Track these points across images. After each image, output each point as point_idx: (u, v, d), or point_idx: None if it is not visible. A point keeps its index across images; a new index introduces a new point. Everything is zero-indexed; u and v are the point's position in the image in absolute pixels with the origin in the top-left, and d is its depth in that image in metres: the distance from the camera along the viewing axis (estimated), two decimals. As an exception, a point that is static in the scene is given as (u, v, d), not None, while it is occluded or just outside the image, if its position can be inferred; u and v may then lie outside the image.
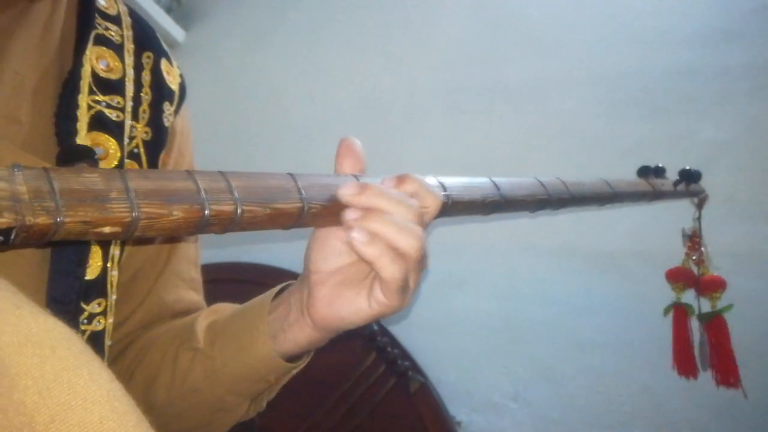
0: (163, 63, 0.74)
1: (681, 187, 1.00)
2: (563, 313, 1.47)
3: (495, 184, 0.65)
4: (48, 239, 0.38)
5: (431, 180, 0.60)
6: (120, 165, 0.63)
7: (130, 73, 0.68)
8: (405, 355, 1.55)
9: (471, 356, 1.55)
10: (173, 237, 0.73)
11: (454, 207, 0.61)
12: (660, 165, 1.00)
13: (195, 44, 2.07)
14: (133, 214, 0.40)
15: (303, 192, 0.50)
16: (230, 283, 1.56)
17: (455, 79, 1.68)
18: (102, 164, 0.60)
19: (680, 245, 1.39)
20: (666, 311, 1.06)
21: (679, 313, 1.05)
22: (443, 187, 0.60)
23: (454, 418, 1.51)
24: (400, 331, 1.57)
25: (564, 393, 1.46)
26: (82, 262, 0.59)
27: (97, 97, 0.63)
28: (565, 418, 1.46)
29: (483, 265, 1.54)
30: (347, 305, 0.57)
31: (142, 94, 0.69)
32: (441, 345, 1.56)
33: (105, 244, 0.61)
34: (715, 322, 1.03)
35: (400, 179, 0.57)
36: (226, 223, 0.46)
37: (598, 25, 1.52)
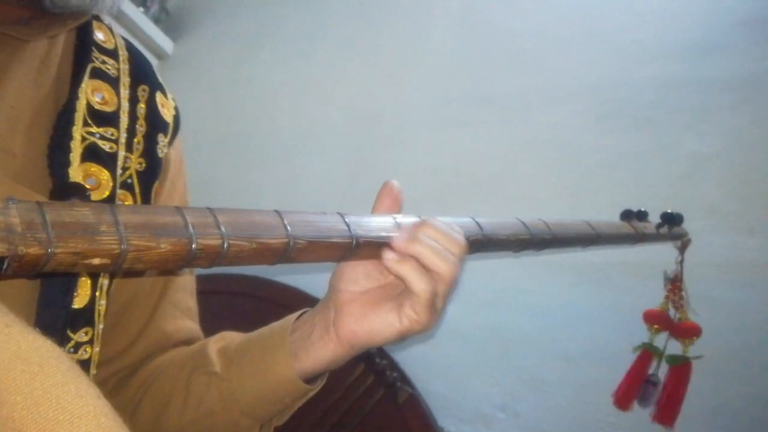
0: (158, 96, 0.75)
1: (664, 230, 1.01)
2: (551, 325, 1.48)
3: (478, 225, 0.67)
4: (39, 269, 0.39)
5: (413, 219, 0.62)
6: (112, 195, 0.64)
7: (125, 105, 0.69)
8: (393, 366, 1.55)
9: (459, 367, 1.55)
10: (164, 270, 0.74)
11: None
12: (642, 209, 1.02)
13: (184, 55, 2.08)
14: (122, 247, 0.41)
15: (289, 228, 0.52)
16: (220, 294, 1.56)
17: (444, 91, 1.70)
18: (94, 194, 0.62)
19: (664, 256, 1.40)
20: (635, 350, 1.10)
21: (645, 355, 1.09)
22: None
23: (443, 429, 1.52)
24: (389, 342, 1.58)
25: (552, 403, 1.46)
26: (70, 291, 0.60)
27: (91, 129, 0.64)
28: (553, 428, 1.47)
29: (471, 277, 1.55)
30: (378, 320, 0.60)
31: (137, 126, 0.70)
32: (429, 356, 1.56)
33: (94, 274, 0.62)
34: (682, 367, 1.07)
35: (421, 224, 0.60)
36: (213, 257, 0.47)
37: (584, 39, 1.54)
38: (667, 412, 1.07)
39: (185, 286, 0.78)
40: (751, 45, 1.37)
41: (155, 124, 0.72)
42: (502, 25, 1.65)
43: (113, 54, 0.71)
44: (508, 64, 1.63)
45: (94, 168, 0.63)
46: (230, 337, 0.72)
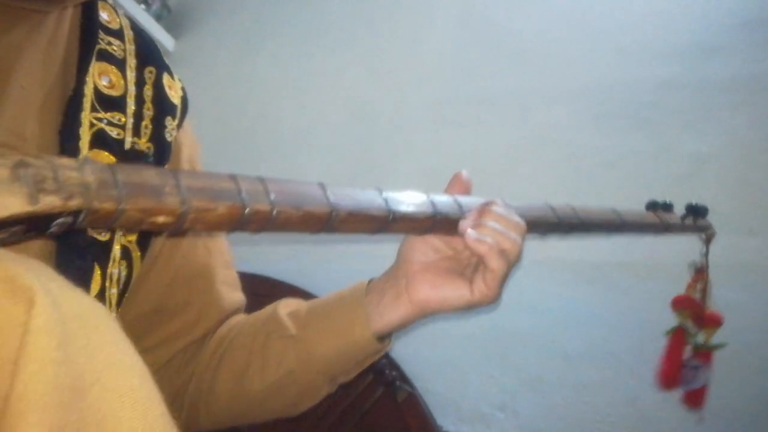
0: (165, 77, 0.75)
1: (689, 221, 1.02)
2: (550, 324, 1.48)
3: (458, 203, 0.70)
4: (110, 224, 0.43)
5: (446, 197, 0.68)
6: None
7: (132, 89, 0.69)
8: (392, 364, 1.55)
9: (458, 366, 1.55)
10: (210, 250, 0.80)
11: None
12: (668, 201, 1.04)
13: (185, 53, 2.08)
14: (184, 207, 0.45)
15: (331, 198, 0.56)
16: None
17: (443, 91, 1.70)
18: None
19: (664, 258, 1.41)
20: (668, 333, 1.10)
21: (679, 334, 1.09)
22: (459, 206, 0.68)
23: (442, 428, 1.52)
24: (388, 341, 1.58)
25: (551, 403, 1.47)
26: (86, 280, 0.61)
27: (99, 115, 0.64)
28: (551, 427, 1.47)
29: (470, 276, 1.55)
30: (452, 290, 0.67)
31: (144, 110, 0.70)
32: (428, 355, 1.56)
33: (104, 263, 0.63)
34: (707, 353, 1.08)
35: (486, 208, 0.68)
36: (263, 222, 0.51)
37: (584, 40, 1.54)
38: (697, 395, 1.08)
39: (228, 262, 0.83)
40: (750, 46, 1.38)
41: (163, 107, 0.72)
42: (502, 26, 1.65)
43: (119, 34, 0.71)
44: (508, 64, 1.63)
45: (103, 155, 0.63)
46: (294, 303, 0.78)
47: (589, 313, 1.45)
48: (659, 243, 1.40)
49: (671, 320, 1.38)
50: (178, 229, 0.47)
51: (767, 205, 1.33)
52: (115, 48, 0.70)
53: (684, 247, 1.37)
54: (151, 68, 0.73)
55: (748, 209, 1.30)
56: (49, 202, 0.39)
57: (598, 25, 1.53)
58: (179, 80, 0.78)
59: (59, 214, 0.40)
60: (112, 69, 0.68)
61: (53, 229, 0.41)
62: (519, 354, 1.50)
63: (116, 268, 0.66)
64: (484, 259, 0.65)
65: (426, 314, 0.69)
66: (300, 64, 1.91)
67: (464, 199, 0.70)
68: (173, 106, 0.74)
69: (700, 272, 1.08)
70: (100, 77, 0.66)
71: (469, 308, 0.68)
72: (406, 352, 1.56)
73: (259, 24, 2.01)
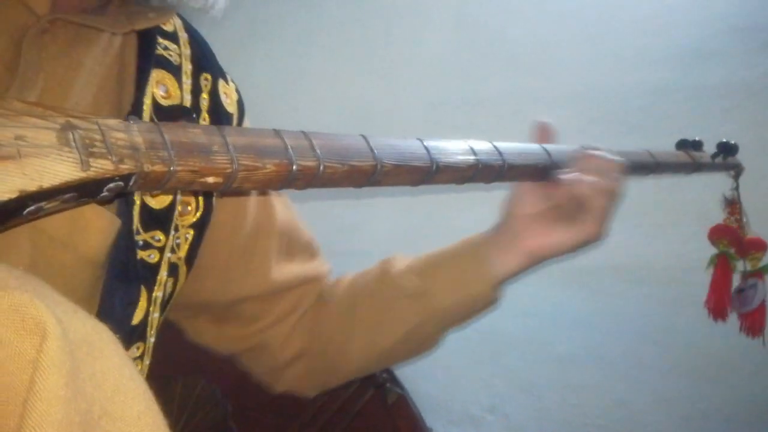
0: (221, 84, 0.72)
1: (719, 159, 1.03)
2: (540, 327, 1.48)
3: (546, 151, 0.73)
4: (161, 186, 0.41)
5: (484, 144, 0.67)
6: (173, 202, 0.64)
7: (188, 98, 0.67)
8: (383, 366, 1.55)
9: (449, 368, 1.55)
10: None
11: (510, 171, 0.68)
12: (697, 139, 1.03)
13: (178, 54, 2.07)
14: (234, 166, 0.44)
15: (375, 152, 0.55)
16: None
17: (436, 94, 1.70)
18: (155, 201, 0.62)
19: (654, 262, 1.41)
20: (711, 262, 1.07)
21: (723, 261, 1.06)
22: (499, 153, 0.67)
23: (432, 430, 1.52)
24: (379, 343, 1.58)
25: (540, 406, 1.47)
26: (132, 305, 0.60)
27: None
28: (541, 430, 1.47)
29: (461, 278, 1.55)
30: (562, 233, 0.71)
31: (200, 121, 0.67)
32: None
33: (150, 287, 0.62)
34: (758, 275, 1.05)
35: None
36: (310, 179, 0.50)
37: (577, 44, 1.54)
38: (756, 320, 1.06)
39: (291, 227, 0.81)
40: (743, 52, 1.38)
41: (218, 117, 0.70)
42: (496, 30, 1.66)
43: (173, 37, 0.68)
44: (502, 68, 1.63)
45: None
46: (406, 258, 0.79)
47: (579, 317, 1.45)
48: (650, 247, 1.41)
49: (663, 323, 1.39)
50: (227, 189, 0.46)
51: (759, 210, 1.33)
52: (171, 53, 0.67)
53: (674, 251, 1.38)
54: (207, 75, 0.70)
55: (739, 214, 1.31)
56: (100, 166, 0.37)
57: (591, 30, 1.54)
58: (233, 82, 0.77)
59: (111, 179, 0.38)
60: (169, 77, 0.65)
61: (105, 194, 0.39)
62: (509, 357, 1.50)
63: (161, 291, 0.64)
64: (585, 200, 0.69)
65: (539, 261, 0.74)
66: (293, 66, 1.91)
67: (549, 147, 0.74)
68: (229, 116, 0.72)
69: (733, 204, 1.06)
70: (158, 86, 0.63)
71: (580, 248, 0.73)
72: (397, 354, 1.56)
73: (251, 25, 2.01)
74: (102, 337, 0.36)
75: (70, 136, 0.36)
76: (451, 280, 0.75)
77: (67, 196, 0.37)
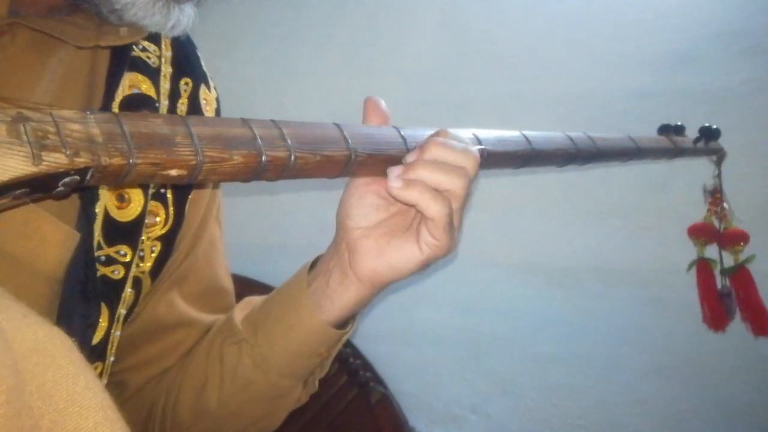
0: (202, 90, 0.69)
1: (701, 144, 1.01)
2: (522, 328, 1.49)
3: (526, 138, 0.68)
4: (120, 180, 0.39)
5: (465, 133, 0.62)
6: (143, 211, 0.61)
7: (165, 103, 0.63)
8: (366, 366, 1.55)
9: (432, 368, 1.56)
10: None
11: (489, 159, 0.63)
12: (679, 123, 1.02)
13: (162, 50, 2.05)
14: (198, 158, 0.42)
15: (350, 141, 0.52)
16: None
17: (422, 94, 1.70)
18: (123, 212, 0.59)
19: (636, 264, 1.42)
20: (690, 267, 1.06)
21: (703, 267, 1.05)
22: (478, 140, 0.62)
23: (414, 429, 1.52)
24: (362, 342, 1.58)
25: (522, 406, 1.48)
26: (92, 326, 0.57)
27: None
28: (523, 429, 1.48)
29: (444, 279, 1.56)
30: (398, 254, 0.57)
31: None
32: (402, 357, 1.57)
33: (113, 304, 0.59)
34: (739, 274, 1.03)
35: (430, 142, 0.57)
36: (280, 170, 0.47)
37: (562, 47, 1.55)
38: (759, 319, 1.03)
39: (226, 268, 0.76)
40: (724, 57, 1.40)
41: None
42: (482, 31, 1.66)
43: (154, 38, 0.64)
44: (487, 69, 1.64)
45: None
46: (254, 302, 0.70)
47: (561, 318, 1.46)
48: (631, 249, 1.43)
49: (644, 325, 1.41)
50: (192, 181, 0.44)
51: (737, 214, 1.35)
52: (150, 54, 0.63)
53: (656, 253, 1.39)
54: (188, 79, 0.67)
55: (718, 218, 1.32)
56: (53, 160, 0.35)
57: (575, 34, 1.55)
58: (215, 89, 0.73)
59: (66, 173, 0.36)
60: (144, 79, 0.62)
61: (60, 188, 0.37)
62: (492, 357, 1.51)
63: (125, 308, 0.61)
64: (418, 208, 0.54)
65: (380, 288, 0.60)
66: (277, 63, 1.90)
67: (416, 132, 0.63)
68: None
69: (715, 194, 1.06)
70: (131, 89, 0.60)
71: (424, 267, 0.58)
72: (380, 354, 1.57)
73: (236, 23, 2.00)
74: (55, 343, 0.34)
75: (21, 128, 0.34)
76: (278, 325, 0.64)
77: (18, 192, 0.35)
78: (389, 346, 1.57)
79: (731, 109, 1.38)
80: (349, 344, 1.57)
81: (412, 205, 0.54)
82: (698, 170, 1.39)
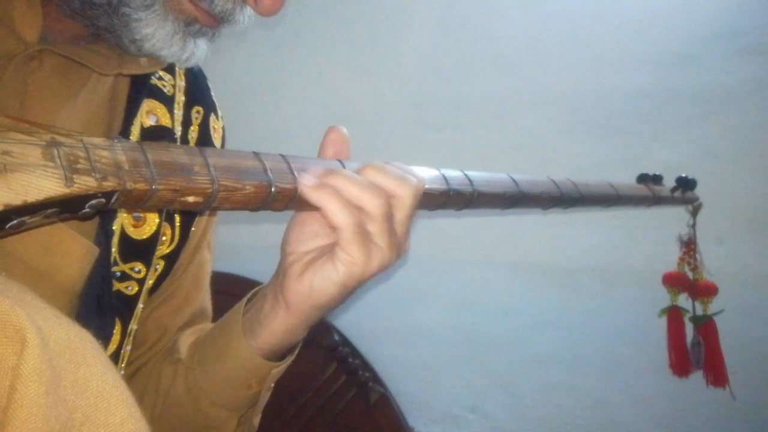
0: (212, 119, 0.73)
1: (678, 193, 1.04)
2: (521, 327, 1.50)
3: (514, 181, 0.71)
4: (142, 204, 0.42)
5: (455, 173, 0.66)
6: (157, 231, 0.63)
7: (178, 129, 0.67)
8: (365, 366, 1.56)
9: (430, 368, 1.56)
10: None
11: (478, 198, 0.66)
12: (658, 173, 1.06)
13: (162, 50, 2.05)
14: (214, 187, 0.45)
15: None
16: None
17: (421, 94, 1.70)
18: (138, 230, 0.62)
19: (633, 264, 1.43)
20: (661, 313, 1.11)
21: (675, 314, 1.10)
22: (469, 181, 0.66)
23: (413, 429, 1.53)
24: (361, 342, 1.58)
25: (521, 405, 1.48)
26: (106, 338, 0.59)
27: None
28: (521, 429, 1.49)
29: (443, 279, 1.56)
30: (317, 274, 0.54)
31: None
32: (401, 356, 1.57)
33: (126, 319, 0.61)
34: (708, 325, 1.09)
35: (370, 167, 0.56)
36: (288, 200, 0.51)
37: (560, 47, 1.55)
38: (716, 371, 1.08)
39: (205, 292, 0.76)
40: (722, 57, 1.40)
41: None
42: (481, 30, 1.66)
43: (170, 68, 0.68)
44: (486, 69, 1.64)
45: None
46: (209, 326, 0.70)
47: (559, 317, 1.47)
48: (629, 249, 1.43)
49: (641, 324, 1.41)
50: (206, 208, 0.47)
51: (736, 214, 1.35)
52: (165, 83, 0.67)
53: (656, 253, 1.39)
54: (199, 108, 0.71)
55: (716, 218, 1.32)
56: (84, 183, 0.38)
57: (574, 33, 1.55)
58: (222, 119, 0.76)
59: (94, 195, 0.39)
60: (160, 106, 0.65)
61: (86, 210, 0.40)
62: (490, 356, 1.52)
63: (137, 324, 0.63)
64: (325, 215, 0.52)
65: (306, 315, 0.57)
66: (276, 63, 1.90)
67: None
68: None
69: (689, 245, 1.09)
70: (148, 116, 0.64)
71: (347, 289, 0.55)
72: (379, 354, 1.57)
73: (238, 22, 1.99)
74: (85, 344, 0.36)
75: (55, 152, 0.37)
76: (211, 349, 0.63)
77: (49, 211, 0.38)
78: (388, 346, 1.57)
79: (730, 109, 1.38)
80: (348, 344, 1.58)
81: (319, 208, 0.52)
82: (696, 169, 1.39)
